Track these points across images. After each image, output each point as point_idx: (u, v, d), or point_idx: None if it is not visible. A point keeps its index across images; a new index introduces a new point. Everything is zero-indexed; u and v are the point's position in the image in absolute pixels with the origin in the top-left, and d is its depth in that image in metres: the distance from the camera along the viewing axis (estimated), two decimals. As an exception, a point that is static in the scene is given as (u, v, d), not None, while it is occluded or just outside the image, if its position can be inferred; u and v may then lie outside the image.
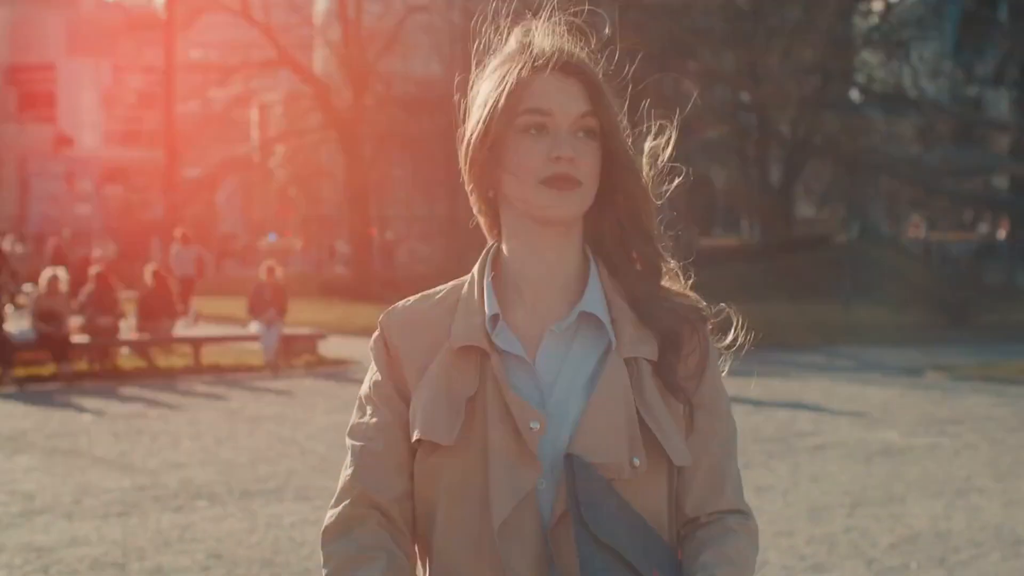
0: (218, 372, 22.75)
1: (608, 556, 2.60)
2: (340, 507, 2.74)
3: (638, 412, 2.66)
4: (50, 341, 21.43)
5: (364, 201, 45.60)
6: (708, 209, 52.85)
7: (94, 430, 16.39)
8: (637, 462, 2.64)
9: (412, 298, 2.85)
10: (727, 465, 2.78)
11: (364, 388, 2.83)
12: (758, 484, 11.87)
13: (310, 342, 24.83)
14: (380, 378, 2.80)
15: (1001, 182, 52.19)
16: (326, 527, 2.75)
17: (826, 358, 23.93)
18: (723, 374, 2.84)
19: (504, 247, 2.79)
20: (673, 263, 2.85)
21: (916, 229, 51.01)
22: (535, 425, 2.62)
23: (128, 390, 20.61)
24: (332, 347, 24.83)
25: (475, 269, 2.80)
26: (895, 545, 9.79)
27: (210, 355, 23.84)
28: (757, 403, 17.38)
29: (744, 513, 2.78)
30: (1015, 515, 10.72)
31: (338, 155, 49.43)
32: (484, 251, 2.83)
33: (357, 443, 2.77)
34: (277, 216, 67.87)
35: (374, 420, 2.77)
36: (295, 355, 23.94)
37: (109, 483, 12.72)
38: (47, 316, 21.40)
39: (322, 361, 23.96)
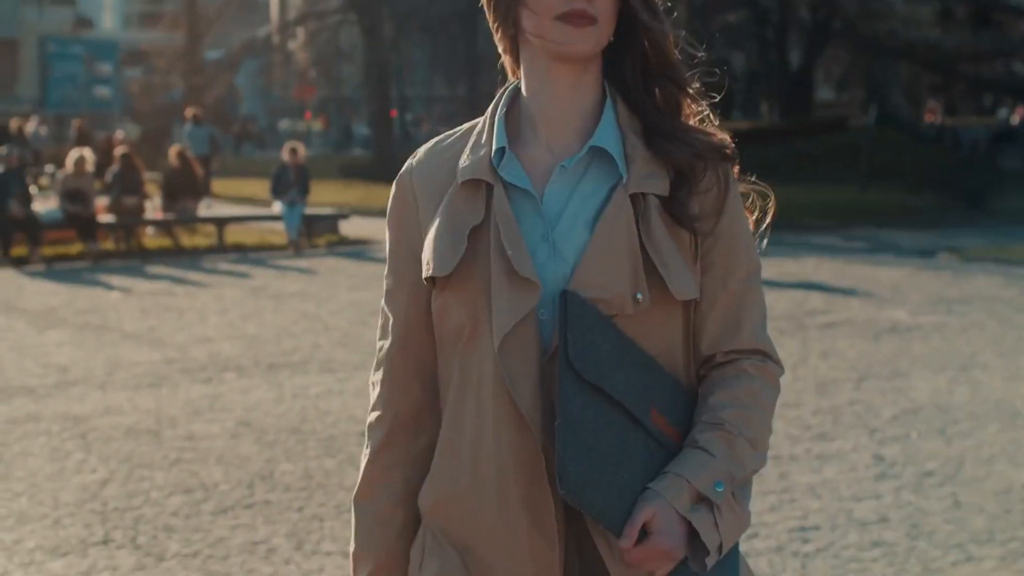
0: (242, 251, 23.15)
1: (593, 397, 2.58)
2: (372, 422, 2.84)
3: (643, 247, 2.64)
4: (77, 221, 21.81)
5: (385, 83, 45.75)
6: (727, 93, 52.95)
7: (122, 306, 16.81)
8: (640, 297, 2.63)
9: (427, 144, 2.86)
10: (747, 303, 2.74)
11: (385, 278, 2.87)
12: (768, 359, 12.25)
13: (332, 222, 25.19)
14: (393, 245, 2.84)
15: (1021, 68, 52.10)
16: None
17: (841, 240, 24.24)
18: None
19: (523, 86, 2.77)
20: (704, 106, 2.82)
21: (933, 114, 51.04)
22: (529, 261, 2.61)
23: (154, 268, 21.02)
24: (353, 227, 25.18)
25: (490, 106, 2.80)
26: (897, 417, 10.17)
27: (234, 235, 24.23)
28: (771, 283, 17.72)
29: (764, 353, 2.75)
30: (1015, 390, 11.09)
31: (358, 37, 49.52)
32: (502, 89, 2.83)
33: (382, 343, 2.84)
34: (297, 98, 68.01)
35: (393, 316, 2.83)
36: (317, 234, 24.32)
37: (139, 356, 13.14)
38: (74, 196, 21.76)
39: (344, 240, 24.35)
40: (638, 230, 2.64)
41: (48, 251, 21.78)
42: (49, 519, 7.89)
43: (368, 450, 2.84)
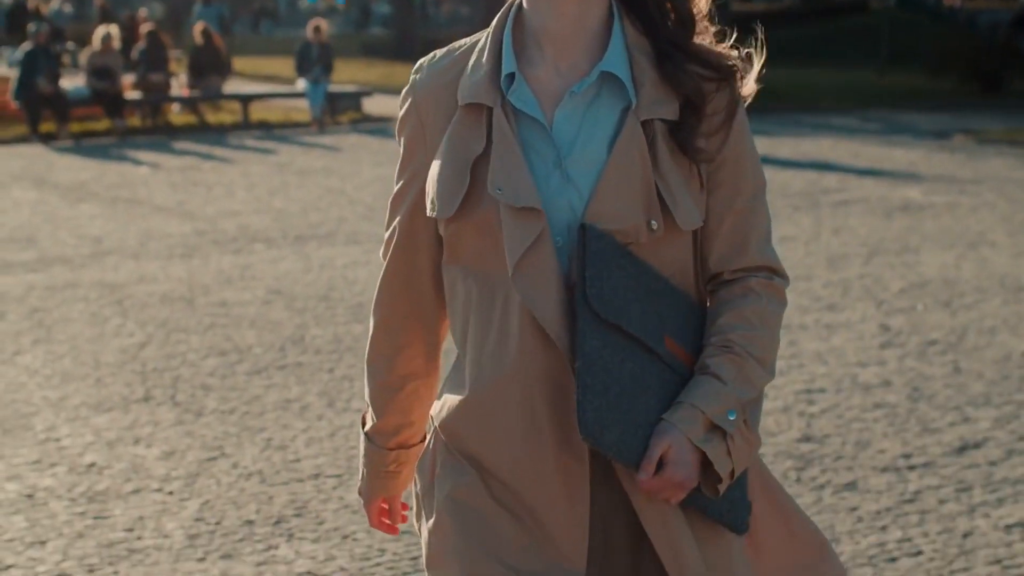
0: (266, 128, 23.44)
1: (610, 335, 2.61)
2: (374, 327, 2.93)
3: (653, 176, 2.64)
4: (104, 97, 22.10)
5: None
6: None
7: (151, 181, 17.16)
8: (655, 225, 2.63)
9: (429, 58, 2.83)
10: (753, 222, 2.75)
11: (395, 178, 2.87)
12: (782, 235, 12.58)
13: (355, 100, 25.45)
14: (404, 156, 2.83)
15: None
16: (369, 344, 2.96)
17: (858, 121, 24.45)
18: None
19: (525, 1, 2.73)
20: (715, 25, 2.78)
21: (955, -3, 50.85)
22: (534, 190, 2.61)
23: (180, 144, 21.34)
24: (376, 104, 25.45)
25: (493, 22, 2.74)
26: (905, 290, 10.52)
27: (258, 112, 24.52)
28: (787, 162, 18.01)
29: (770, 270, 2.77)
30: (1021, 266, 11.42)
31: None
32: (507, 4, 2.77)
33: (390, 216, 2.89)
34: (318, -23, 67.79)
35: (398, 234, 2.85)
36: (340, 112, 24.60)
37: (170, 228, 13.51)
38: (101, 73, 22.03)
39: (366, 118, 24.63)
40: (649, 158, 2.64)
41: (75, 127, 22.09)
42: (91, 378, 8.30)
43: (373, 320, 2.94)
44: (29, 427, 7.39)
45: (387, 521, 3.08)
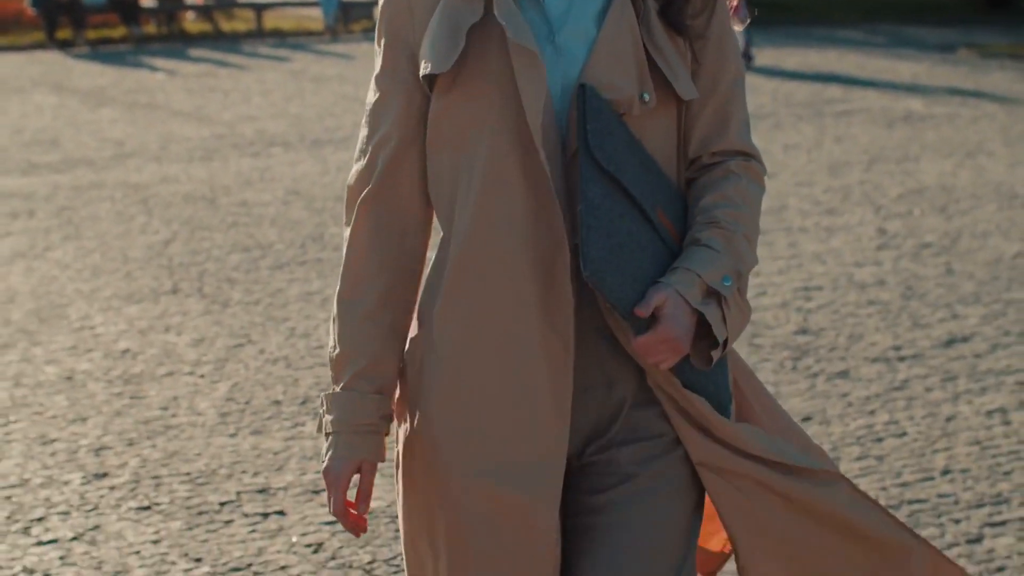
0: (280, 36, 23.73)
1: (611, 187, 2.61)
2: (356, 172, 2.77)
3: (645, 49, 2.66)
4: (120, 5, 22.39)
5: None
6: None
7: (168, 87, 17.49)
8: (647, 97, 2.65)
9: None
10: (733, 106, 2.77)
11: (376, 67, 2.77)
12: (786, 142, 12.93)
13: (367, 8, 25.70)
14: (389, 43, 2.73)
15: None
16: (351, 176, 2.79)
17: (864, 34, 24.69)
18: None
19: None
20: None
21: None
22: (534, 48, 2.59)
23: (196, 52, 21.64)
24: (388, 15, 25.62)
25: None
26: (902, 196, 10.88)
27: (271, 20, 24.79)
28: (793, 73, 18.32)
29: (748, 154, 2.78)
30: (1016, 174, 11.77)
31: None
32: None
33: (371, 93, 2.77)
34: None
35: (387, 121, 2.73)
36: (353, 20, 24.87)
37: (189, 132, 13.86)
38: (117, -20, 22.34)
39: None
40: (640, 32, 2.66)
41: (92, 34, 22.39)
42: (121, 272, 8.69)
43: (350, 249, 2.76)
44: (64, 316, 7.79)
45: (353, 510, 2.75)
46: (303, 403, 6.41)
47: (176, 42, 22.88)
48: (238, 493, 5.50)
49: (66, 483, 5.60)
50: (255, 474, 5.67)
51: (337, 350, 2.74)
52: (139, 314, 7.80)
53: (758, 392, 2.87)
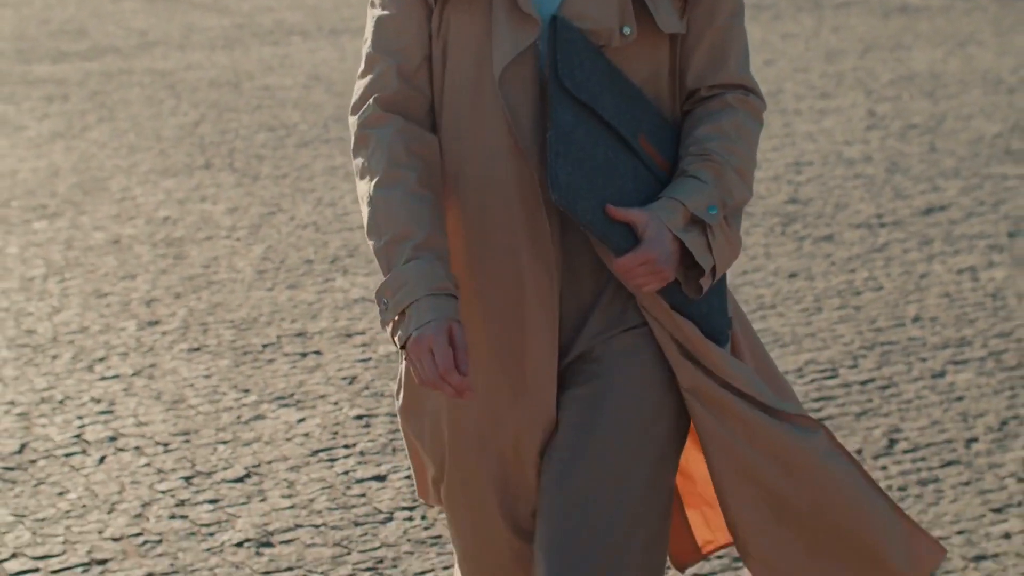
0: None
1: (583, 115, 2.64)
2: (362, 94, 2.73)
3: None
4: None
5: None
6: None
7: (186, -20, 18.01)
8: (628, 31, 2.65)
9: None
10: (732, 39, 2.77)
11: None
12: (784, 31, 13.46)
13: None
14: None
15: None
16: (353, 105, 2.74)
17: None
18: None
19: None
20: None
21: None
22: None
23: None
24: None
25: None
26: (893, 81, 11.43)
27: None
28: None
29: (747, 88, 2.79)
30: (1003, 62, 12.29)
31: None
32: None
33: (375, 11, 2.76)
34: None
35: (392, 28, 2.72)
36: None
37: (210, 22, 14.38)
38: None
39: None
40: None
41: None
42: (155, 149, 9.27)
43: (376, 145, 2.69)
44: (106, 188, 8.38)
45: (456, 371, 2.57)
46: (333, 261, 7.01)
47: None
48: (278, 337, 6.12)
49: (122, 329, 6.22)
50: (292, 321, 6.29)
51: (386, 236, 2.63)
52: (175, 186, 8.39)
53: (751, 339, 2.88)
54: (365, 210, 2.66)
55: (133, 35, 13.63)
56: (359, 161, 2.69)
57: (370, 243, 2.66)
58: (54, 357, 5.92)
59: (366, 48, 2.74)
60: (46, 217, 7.81)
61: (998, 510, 4.69)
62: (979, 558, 4.41)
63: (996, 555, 4.42)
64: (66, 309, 6.46)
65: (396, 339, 2.60)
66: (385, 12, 2.72)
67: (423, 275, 2.58)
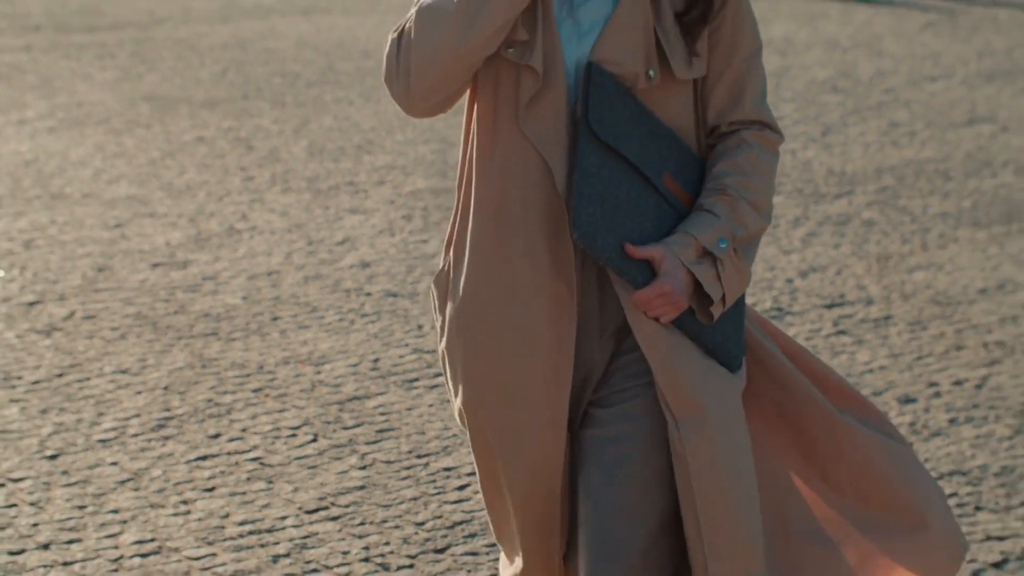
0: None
1: (609, 156, 2.82)
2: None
3: (655, 29, 2.84)
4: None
5: None
6: None
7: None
8: (652, 74, 2.83)
9: None
10: (749, 77, 2.92)
11: None
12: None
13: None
14: None
15: None
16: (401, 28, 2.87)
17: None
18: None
19: None
20: None
21: None
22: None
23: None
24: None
25: None
26: (755, 43, 14.72)
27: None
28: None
29: (764, 123, 2.94)
30: (843, 31, 15.57)
31: None
32: None
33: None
34: None
35: None
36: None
37: (201, 5, 17.43)
38: None
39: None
40: (652, 13, 2.84)
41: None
42: (201, 87, 12.37)
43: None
44: (177, 111, 11.47)
45: None
46: (359, 147, 10.16)
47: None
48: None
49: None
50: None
51: (452, 23, 2.78)
52: (226, 111, 11.47)
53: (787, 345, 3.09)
54: (415, 19, 2.83)
55: (142, 14, 16.67)
56: (398, 33, 2.87)
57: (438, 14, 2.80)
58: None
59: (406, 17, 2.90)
60: (141, 126, 10.89)
61: None
62: None
63: None
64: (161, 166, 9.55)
65: None
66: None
67: None
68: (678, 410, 2.84)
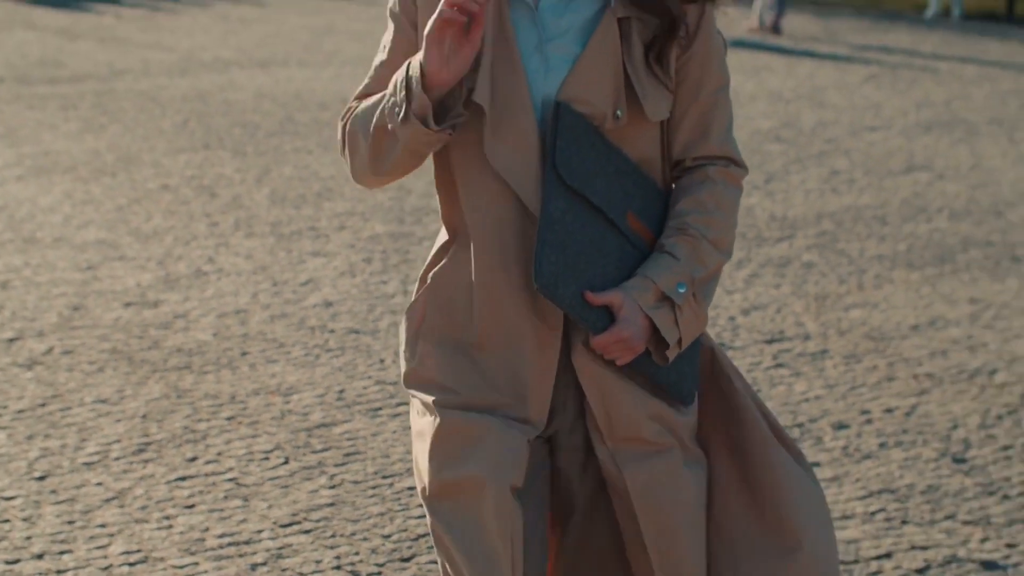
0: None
1: (574, 201, 2.85)
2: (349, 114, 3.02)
3: (624, 69, 2.85)
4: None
5: None
6: None
7: (123, 26, 21.36)
8: (620, 114, 2.85)
9: None
10: (716, 114, 2.94)
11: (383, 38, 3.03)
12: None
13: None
14: (394, 36, 3.00)
15: None
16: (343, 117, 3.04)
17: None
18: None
19: None
20: None
21: None
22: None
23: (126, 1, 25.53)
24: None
25: None
26: (701, 96, 15.18)
27: (185, -26, 28.74)
28: None
29: (729, 158, 2.98)
30: (787, 84, 16.08)
31: None
32: None
33: (379, 56, 3.03)
34: None
35: (390, 52, 3.00)
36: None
37: (160, 57, 17.78)
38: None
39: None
40: (622, 52, 2.85)
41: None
42: (163, 137, 12.72)
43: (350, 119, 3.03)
44: (141, 160, 11.81)
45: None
46: (318, 193, 10.53)
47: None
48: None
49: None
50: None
51: (380, 105, 2.92)
52: (189, 158, 11.84)
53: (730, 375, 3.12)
54: (359, 128, 2.98)
55: (101, 66, 17.01)
56: (344, 131, 3.02)
57: (370, 129, 2.92)
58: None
59: (361, 87, 3.04)
60: (107, 175, 11.23)
61: None
62: None
63: None
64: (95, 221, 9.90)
65: (410, 73, 2.83)
66: (385, 58, 3.00)
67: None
68: (612, 440, 2.92)
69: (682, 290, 2.87)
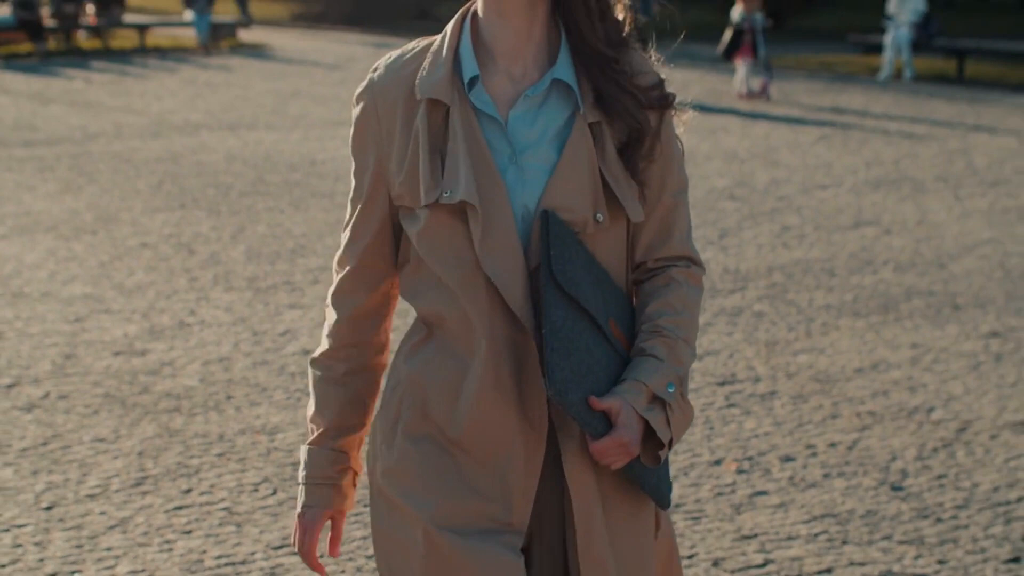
0: (162, 52, 28.21)
1: (571, 307, 2.83)
2: (328, 324, 3.11)
3: (601, 172, 2.85)
4: (27, 24, 26.75)
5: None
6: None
7: (92, 91, 21.84)
8: (600, 217, 2.85)
9: (385, 60, 2.96)
10: (676, 215, 2.97)
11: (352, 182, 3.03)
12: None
13: (231, 29, 30.33)
14: (360, 168, 2.98)
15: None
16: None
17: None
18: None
19: (479, 9, 2.90)
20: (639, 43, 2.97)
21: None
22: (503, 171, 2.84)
23: (96, 64, 25.98)
24: (250, 34, 30.20)
25: (448, 26, 2.91)
26: (657, 155, 15.69)
27: (152, 39, 29.30)
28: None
29: (689, 259, 3.01)
30: (742, 144, 16.59)
31: None
32: (461, 10, 2.93)
33: (341, 254, 3.10)
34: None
35: (361, 236, 3.04)
36: (222, 38, 29.47)
37: (131, 120, 18.28)
38: (25, 4, 26.70)
39: (243, 45, 29.51)
40: (596, 156, 2.86)
41: (2, 50, 26.69)
42: (139, 198, 13.16)
43: (330, 321, 3.11)
44: (118, 219, 12.25)
45: (312, 557, 3.08)
46: (293, 250, 10.99)
47: (75, 56, 27.22)
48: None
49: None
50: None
51: (311, 409, 3.11)
52: (166, 218, 12.28)
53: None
54: (310, 367, 3.17)
55: (75, 130, 17.49)
56: (328, 303, 3.15)
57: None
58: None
59: (344, 230, 3.11)
60: (87, 233, 11.67)
61: None
62: None
63: None
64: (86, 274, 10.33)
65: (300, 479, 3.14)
66: (361, 211, 3.02)
67: (313, 464, 3.11)
68: (585, 559, 2.92)
69: (671, 390, 2.90)
